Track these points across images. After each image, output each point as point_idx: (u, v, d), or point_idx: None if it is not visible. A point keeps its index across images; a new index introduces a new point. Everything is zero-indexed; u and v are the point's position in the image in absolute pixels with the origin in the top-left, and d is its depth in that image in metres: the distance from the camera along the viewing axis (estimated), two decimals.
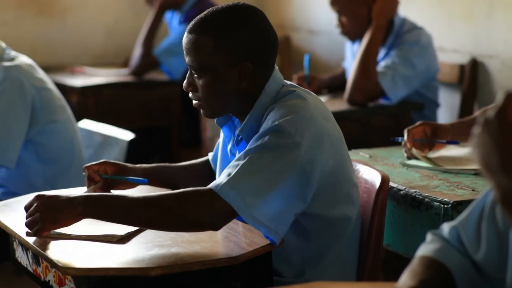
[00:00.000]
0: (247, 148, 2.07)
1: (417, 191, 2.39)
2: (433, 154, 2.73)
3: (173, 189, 2.45)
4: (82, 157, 3.33)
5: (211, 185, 2.00)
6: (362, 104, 3.63)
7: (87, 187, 2.37)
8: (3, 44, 3.23)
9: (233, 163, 2.04)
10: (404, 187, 2.44)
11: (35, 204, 2.05)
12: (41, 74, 3.26)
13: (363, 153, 2.85)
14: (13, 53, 3.22)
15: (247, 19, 2.14)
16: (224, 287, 1.98)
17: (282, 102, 2.13)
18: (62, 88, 4.36)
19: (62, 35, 5.31)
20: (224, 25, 2.13)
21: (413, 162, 2.67)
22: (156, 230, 2.04)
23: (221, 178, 2.01)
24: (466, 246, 1.53)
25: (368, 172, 2.37)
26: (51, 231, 2.07)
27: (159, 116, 4.70)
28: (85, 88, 4.49)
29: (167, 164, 2.52)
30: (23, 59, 3.22)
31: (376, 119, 3.64)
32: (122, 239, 2.05)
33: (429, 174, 2.56)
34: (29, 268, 2.21)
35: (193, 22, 2.18)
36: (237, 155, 2.23)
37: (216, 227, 2.00)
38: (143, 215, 1.99)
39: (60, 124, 3.23)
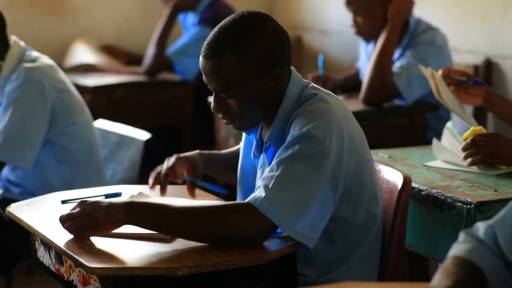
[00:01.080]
0: (278, 158, 2.05)
1: (439, 191, 2.39)
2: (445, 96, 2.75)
3: (221, 176, 2.53)
4: (99, 158, 3.33)
5: (250, 199, 2.00)
6: (378, 105, 3.63)
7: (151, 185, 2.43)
8: (22, 43, 3.23)
9: (267, 174, 2.04)
10: (425, 188, 2.43)
11: (77, 211, 2.04)
12: (61, 75, 3.26)
13: (382, 153, 2.85)
14: (34, 53, 3.22)
15: (260, 27, 2.11)
16: (249, 286, 1.98)
17: (305, 107, 2.12)
18: (75, 87, 4.36)
19: (73, 35, 5.30)
20: (240, 40, 2.09)
21: (433, 163, 2.67)
22: (195, 242, 2.00)
23: (259, 192, 2.01)
24: (502, 246, 1.53)
25: (389, 173, 2.37)
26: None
27: (171, 116, 4.69)
28: (98, 87, 4.49)
29: (215, 152, 2.53)
30: (44, 60, 3.22)
31: (391, 119, 3.63)
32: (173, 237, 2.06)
33: (450, 175, 2.56)
34: (52, 268, 2.20)
35: (206, 47, 2.11)
36: (262, 163, 2.22)
37: (257, 242, 1.99)
38: (184, 227, 1.98)
39: (78, 126, 3.23)
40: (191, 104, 4.71)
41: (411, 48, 3.68)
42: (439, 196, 2.38)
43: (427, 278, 3.72)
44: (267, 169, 2.08)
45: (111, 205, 2.02)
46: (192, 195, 2.43)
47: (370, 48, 3.89)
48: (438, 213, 2.38)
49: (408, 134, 3.63)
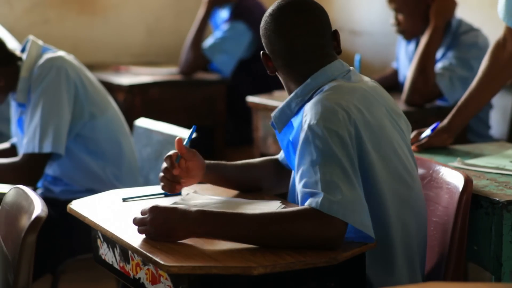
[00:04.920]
0: (307, 160, 2.04)
1: None
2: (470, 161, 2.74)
3: (233, 186, 2.47)
4: (131, 155, 3.33)
5: (312, 203, 1.98)
6: (420, 105, 3.62)
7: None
8: (40, 42, 3.25)
9: (310, 180, 2.01)
10: None
11: (149, 217, 2.03)
12: (83, 67, 3.28)
13: None
14: (50, 52, 3.23)
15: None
16: (319, 286, 1.97)
17: (320, 97, 2.12)
18: (109, 86, 4.36)
19: (103, 34, 5.31)
20: None
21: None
22: (269, 247, 1.98)
23: (317, 197, 1.99)
24: None
25: (449, 174, 2.37)
26: None
27: (204, 115, 4.69)
28: (133, 86, 4.49)
29: (225, 162, 2.49)
30: (65, 53, 3.25)
31: (433, 120, 3.60)
32: None
33: (476, 174, 2.57)
34: (116, 265, 2.20)
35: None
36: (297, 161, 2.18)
37: (336, 245, 1.98)
38: (259, 234, 1.97)
39: (105, 118, 3.24)
40: (224, 104, 4.71)
41: (453, 49, 3.67)
42: None
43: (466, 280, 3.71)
44: (302, 173, 2.05)
45: (185, 217, 2.00)
46: (188, 174, 2.35)
47: (411, 48, 3.89)
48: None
49: None
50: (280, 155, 2.50)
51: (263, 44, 2.26)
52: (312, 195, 2.00)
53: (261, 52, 2.25)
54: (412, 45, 3.89)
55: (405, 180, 2.18)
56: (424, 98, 3.61)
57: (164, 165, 2.32)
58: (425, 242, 2.26)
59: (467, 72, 3.62)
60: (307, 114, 2.10)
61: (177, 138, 2.33)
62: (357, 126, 2.09)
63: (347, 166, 2.03)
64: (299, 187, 2.06)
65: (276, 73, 2.27)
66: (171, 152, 2.33)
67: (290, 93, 2.25)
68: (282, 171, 2.48)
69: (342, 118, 2.07)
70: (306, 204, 2.00)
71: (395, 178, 2.16)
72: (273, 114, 2.24)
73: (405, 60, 3.95)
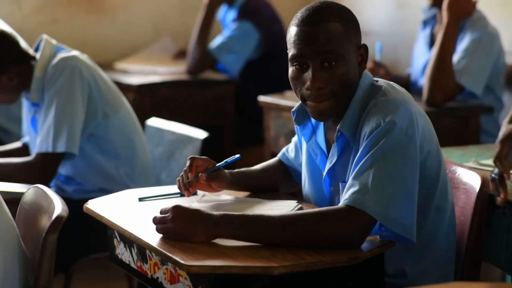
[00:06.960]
0: (368, 152, 2.04)
1: None
2: None
3: (254, 191, 2.46)
4: (144, 155, 3.32)
5: (353, 202, 1.99)
6: (441, 105, 3.56)
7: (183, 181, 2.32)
8: (54, 41, 3.24)
9: (361, 171, 2.02)
10: None
11: (171, 215, 2.03)
12: (97, 67, 3.28)
13: None
14: (64, 51, 3.23)
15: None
16: (338, 286, 1.97)
17: (381, 97, 2.13)
18: (118, 86, 4.35)
19: (111, 33, 5.32)
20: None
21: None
22: (289, 247, 1.98)
23: (356, 192, 1.99)
24: None
25: (465, 174, 2.37)
26: None
27: (212, 115, 4.68)
28: (142, 86, 4.49)
29: (246, 168, 2.48)
30: (78, 53, 3.25)
31: (446, 121, 3.59)
32: None
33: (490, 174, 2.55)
34: (133, 265, 2.19)
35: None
36: (331, 153, 2.20)
37: (358, 244, 1.98)
38: (283, 235, 1.98)
39: (118, 117, 3.24)
40: (233, 103, 4.70)
41: (463, 40, 3.63)
42: None
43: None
44: (358, 165, 2.05)
45: (209, 220, 2.00)
46: (210, 188, 2.35)
47: (427, 32, 3.88)
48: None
49: (462, 137, 3.60)
50: (282, 155, 2.50)
51: (358, 34, 2.22)
52: (356, 190, 2.00)
53: (362, 44, 2.20)
54: (428, 29, 3.88)
55: (448, 182, 2.22)
56: (446, 97, 3.54)
57: (187, 163, 2.34)
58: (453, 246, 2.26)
59: (483, 59, 3.59)
60: (375, 113, 2.09)
61: (200, 174, 2.31)
62: (420, 125, 2.11)
63: (407, 165, 2.04)
64: (351, 176, 2.06)
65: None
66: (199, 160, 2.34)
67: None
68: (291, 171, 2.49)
69: (415, 119, 2.09)
70: (348, 201, 1.99)
71: (444, 179, 2.18)
72: (339, 127, 2.16)
73: (423, 44, 3.91)
